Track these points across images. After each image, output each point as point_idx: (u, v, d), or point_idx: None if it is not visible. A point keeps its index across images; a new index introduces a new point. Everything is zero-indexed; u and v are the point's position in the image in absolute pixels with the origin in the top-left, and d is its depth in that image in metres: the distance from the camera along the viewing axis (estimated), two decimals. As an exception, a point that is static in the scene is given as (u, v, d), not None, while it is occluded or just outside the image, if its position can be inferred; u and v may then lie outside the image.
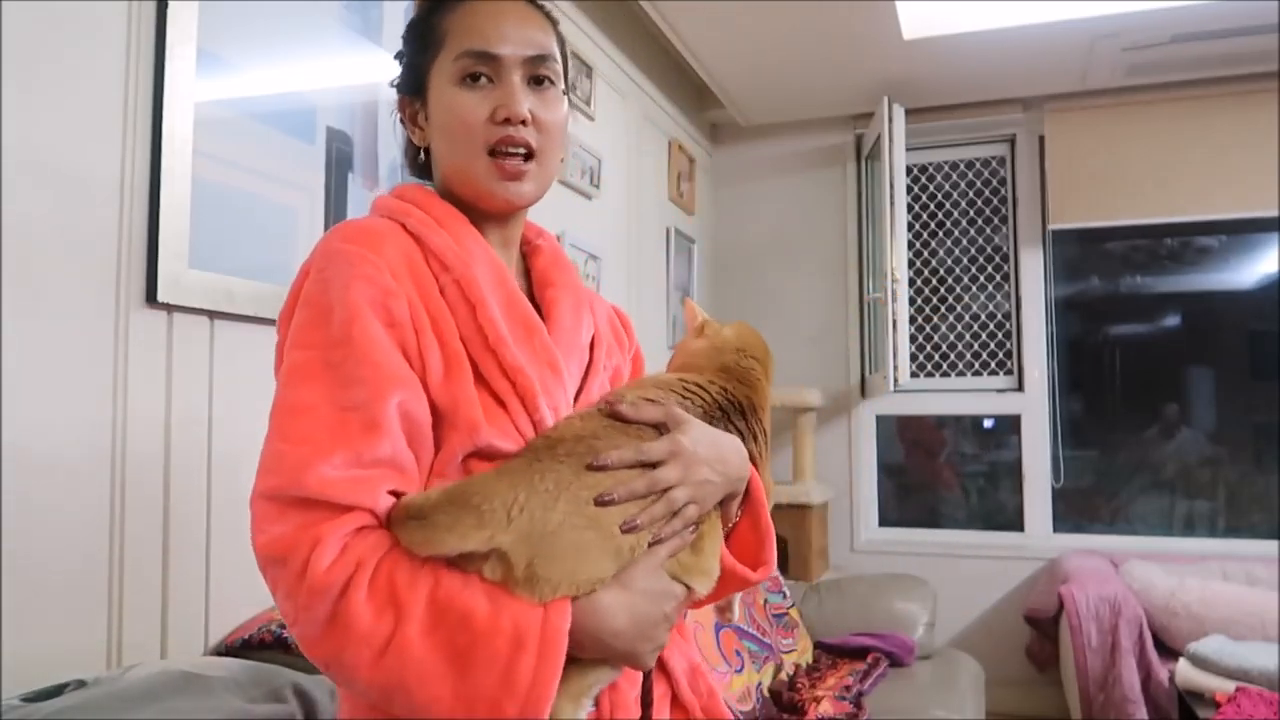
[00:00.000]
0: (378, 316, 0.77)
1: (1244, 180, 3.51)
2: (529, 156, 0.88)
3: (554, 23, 0.94)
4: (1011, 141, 3.96)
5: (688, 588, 0.82)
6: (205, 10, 1.36)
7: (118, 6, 1.25)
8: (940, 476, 4.02)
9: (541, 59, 0.89)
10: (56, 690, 1.04)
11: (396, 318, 0.78)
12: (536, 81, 0.89)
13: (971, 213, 4.04)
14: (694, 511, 0.81)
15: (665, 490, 0.79)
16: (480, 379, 0.81)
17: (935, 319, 4.00)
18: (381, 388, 0.74)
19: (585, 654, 0.75)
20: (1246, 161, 3.51)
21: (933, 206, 4.07)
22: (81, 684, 1.06)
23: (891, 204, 3.43)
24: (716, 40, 3.11)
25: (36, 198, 1.14)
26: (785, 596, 2.62)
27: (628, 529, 0.76)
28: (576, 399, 0.89)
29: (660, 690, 0.89)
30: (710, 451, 0.84)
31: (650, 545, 0.78)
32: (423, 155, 0.94)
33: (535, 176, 0.89)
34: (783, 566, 3.23)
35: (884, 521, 3.91)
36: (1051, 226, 3.79)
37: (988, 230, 4.02)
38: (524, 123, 0.87)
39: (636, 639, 0.77)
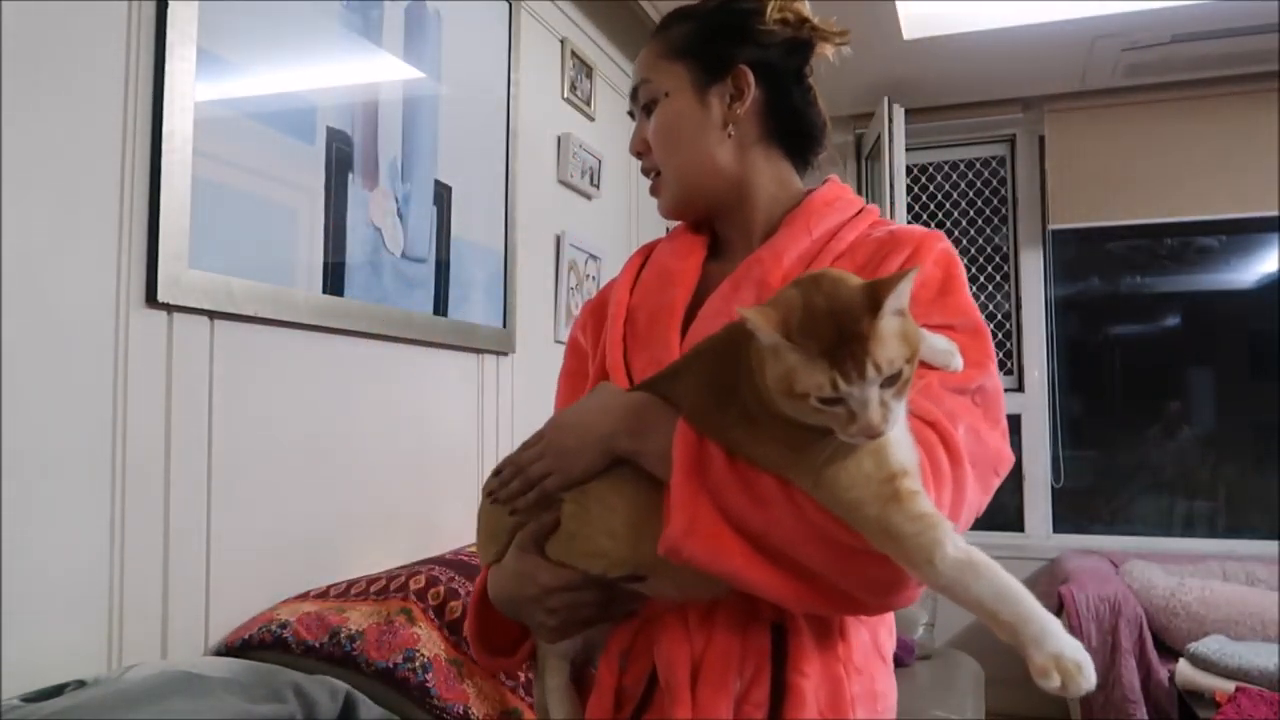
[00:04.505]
0: None
1: (1244, 180, 3.51)
2: (657, 174, 0.99)
3: (666, 31, 0.98)
4: (1011, 141, 3.96)
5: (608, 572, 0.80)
6: (205, 10, 1.36)
7: (118, 6, 1.25)
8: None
9: (636, 89, 0.99)
10: (56, 690, 1.04)
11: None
12: (647, 110, 0.98)
13: (971, 213, 4.04)
14: (554, 482, 0.82)
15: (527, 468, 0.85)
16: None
17: None
18: None
19: (511, 617, 0.89)
20: (1246, 161, 3.51)
21: (933, 206, 4.08)
22: (81, 684, 1.06)
23: (891, 204, 3.43)
24: (716, 40, 3.11)
25: (36, 198, 1.14)
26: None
27: (491, 501, 0.87)
28: None
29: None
30: (575, 418, 0.85)
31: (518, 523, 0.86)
32: None
33: (666, 186, 0.99)
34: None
35: (884, 521, 3.90)
36: (1051, 226, 3.80)
37: (988, 230, 4.02)
38: (640, 154, 1.00)
39: (518, 613, 0.87)
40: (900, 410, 0.67)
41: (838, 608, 0.76)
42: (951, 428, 0.73)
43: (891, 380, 0.64)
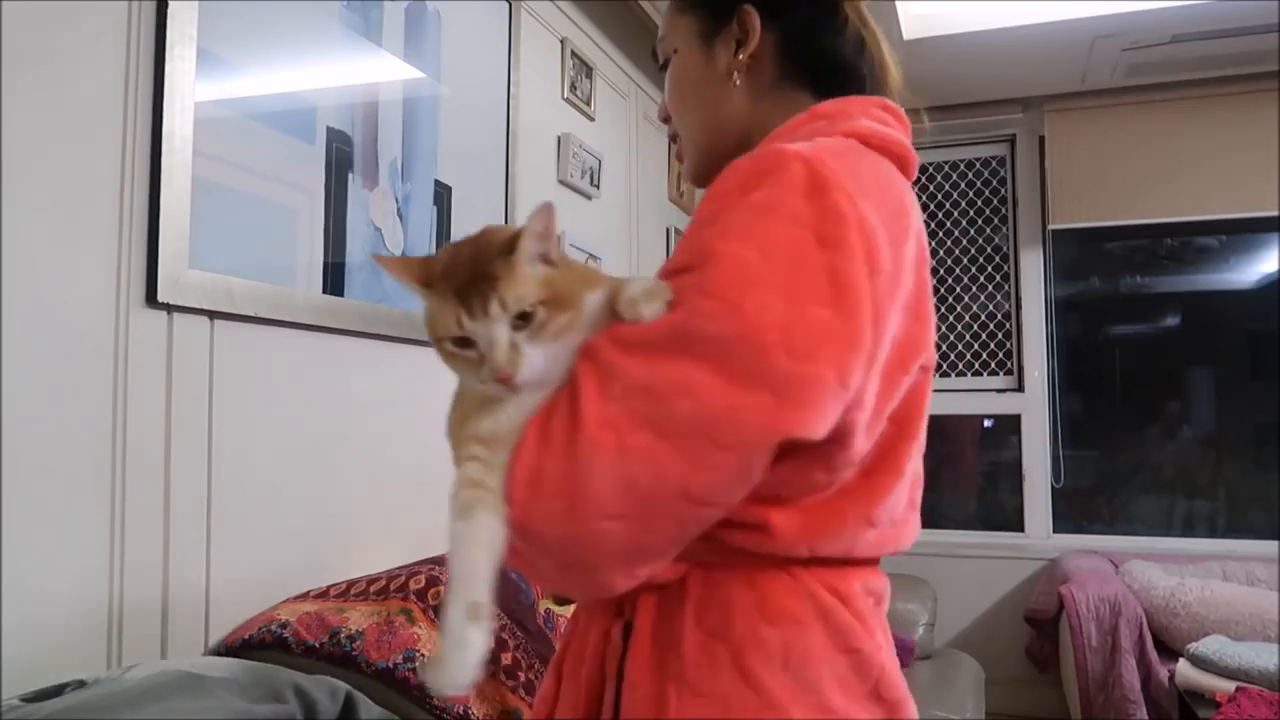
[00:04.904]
0: None
1: (1244, 180, 3.52)
2: (679, 139, 0.92)
3: None
4: (1011, 141, 3.96)
5: None
6: (205, 10, 1.36)
7: (118, 6, 1.25)
8: (942, 476, 4.03)
9: (655, 46, 0.92)
10: (56, 690, 1.04)
11: None
12: (664, 70, 0.92)
13: (971, 213, 4.04)
14: None
15: None
16: None
17: (935, 319, 4.00)
18: None
19: None
20: (1246, 161, 3.52)
21: (933, 206, 4.08)
22: (81, 684, 1.06)
23: (891, 204, 3.43)
24: (716, 40, 3.11)
25: (37, 198, 1.14)
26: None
27: None
28: None
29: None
30: None
31: None
32: None
33: (685, 150, 0.91)
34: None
35: (884, 521, 3.91)
36: (1051, 226, 3.80)
37: (988, 230, 4.02)
38: (666, 120, 0.92)
39: None
40: (538, 359, 0.63)
41: (557, 586, 0.70)
42: (588, 386, 0.62)
43: (524, 321, 0.63)
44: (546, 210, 0.65)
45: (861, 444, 0.67)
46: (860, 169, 0.70)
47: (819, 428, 0.61)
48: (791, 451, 0.63)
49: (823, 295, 0.62)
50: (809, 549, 0.69)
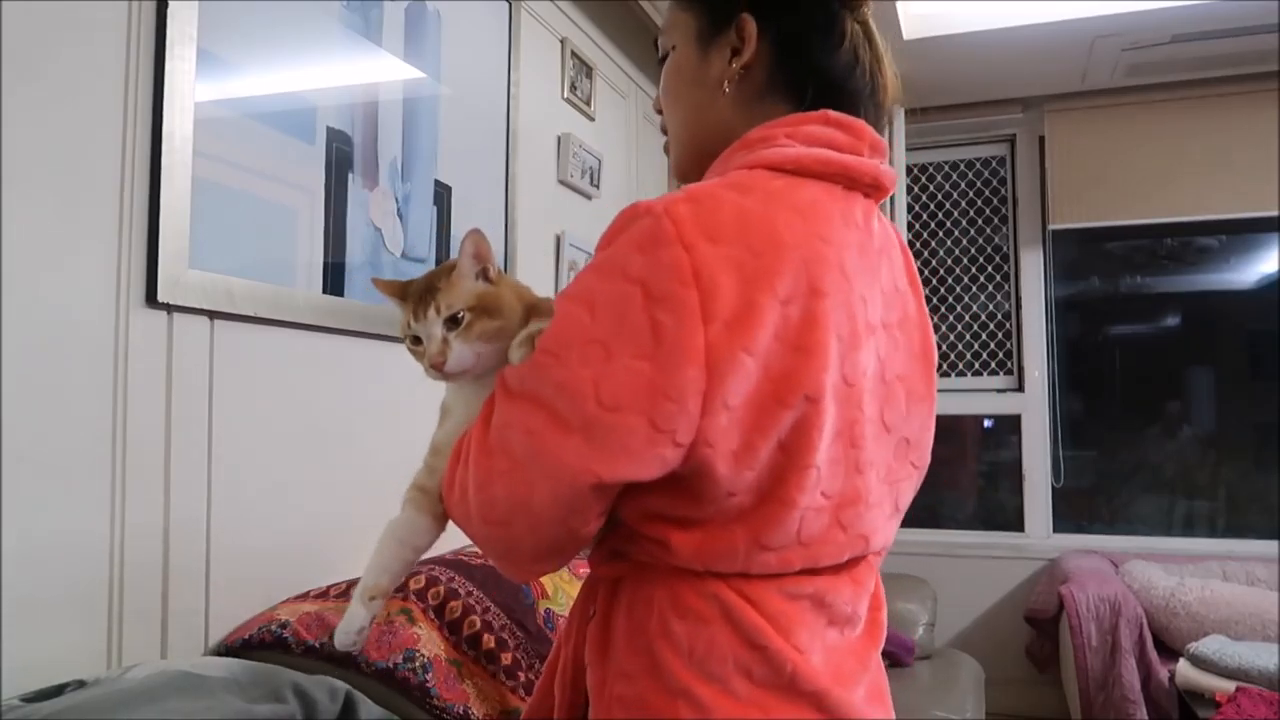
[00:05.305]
0: None
1: (1244, 180, 3.52)
2: (667, 133, 0.94)
3: None
4: (1011, 141, 3.96)
5: None
6: (205, 10, 1.36)
7: (118, 6, 1.25)
8: (942, 476, 4.03)
9: (657, 38, 0.93)
10: (56, 690, 1.04)
11: None
12: (663, 63, 0.92)
13: (971, 213, 4.04)
14: None
15: None
16: None
17: (935, 319, 4.00)
18: None
19: None
20: (1246, 161, 3.52)
21: (933, 206, 4.08)
22: (81, 684, 1.06)
23: (891, 204, 3.43)
24: (716, 40, 3.11)
25: (37, 198, 1.14)
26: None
27: None
28: None
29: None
30: None
31: None
32: None
33: (671, 146, 0.93)
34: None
35: (884, 521, 3.90)
36: (1051, 226, 3.80)
37: (988, 230, 4.02)
38: (660, 111, 0.94)
39: None
40: (466, 352, 0.82)
41: (499, 566, 0.81)
42: (484, 416, 0.76)
43: (454, 323, 0.82)
44: (474, 235, 0.83)
45: (731, 475, 0.71)
46: (722, 210, 0.71)
47: (636, 469, 0.69)
48: (670, 482, 0.71)
49: (644, 348, 0.68)
50: (703, 565, 0.74)
